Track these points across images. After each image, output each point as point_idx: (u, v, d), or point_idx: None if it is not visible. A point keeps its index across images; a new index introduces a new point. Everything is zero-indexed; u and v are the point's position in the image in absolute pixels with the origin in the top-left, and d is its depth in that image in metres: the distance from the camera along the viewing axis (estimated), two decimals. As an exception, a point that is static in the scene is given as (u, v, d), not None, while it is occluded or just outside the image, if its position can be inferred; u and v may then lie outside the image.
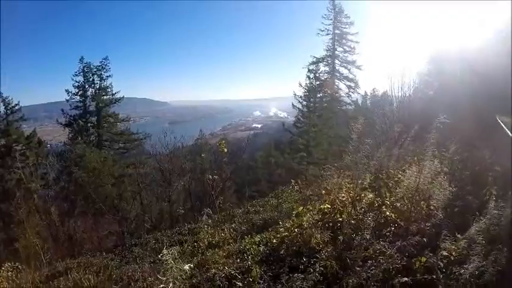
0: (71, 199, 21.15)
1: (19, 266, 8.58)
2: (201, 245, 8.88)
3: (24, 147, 26.15)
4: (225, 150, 10.44)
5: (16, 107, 27.35)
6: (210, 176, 10.78)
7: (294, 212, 6.57)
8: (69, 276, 8.40)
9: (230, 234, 9.22)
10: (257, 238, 7.24)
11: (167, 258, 5.42)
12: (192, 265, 6.82)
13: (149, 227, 17.13)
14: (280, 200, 13.45)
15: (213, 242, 8.82)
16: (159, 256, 5.78)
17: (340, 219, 5.54)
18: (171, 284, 4.92)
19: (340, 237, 5.25)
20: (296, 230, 5.83)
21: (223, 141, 11.25)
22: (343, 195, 5.88)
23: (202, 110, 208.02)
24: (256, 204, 14.74)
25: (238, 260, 5.99)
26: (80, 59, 31.97)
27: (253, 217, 11.81)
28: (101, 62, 32.36)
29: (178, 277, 5.17)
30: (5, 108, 26.70)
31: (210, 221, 12.03)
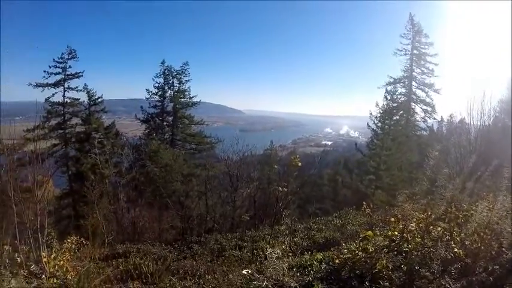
0: (139, 189, 22.33)
1: (83, 241, 9.08)
2: (260, 253, 8.94)
3: (102, 136, 28.32)
4: (299, 164, 10.43)
5: (99, 100, 29.90)
6: (280, 188, 10.79)
7: (360, 235, 6.48)
8: (130, 259, 8.79)
9: (291, 248, 9.22)
10: (319, 255, 7.22)
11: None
12: (250, 270, 6.97)
13: (210, 227, 17.47)
14: (344, 221, 13.27)
15: (265, 253, 8.87)
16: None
17: (407, 248, 5.40)
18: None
19: (404, 267, 5.15)
20: (360, 253, 5.75)
21: (297, 156, 11.25)
22: (412, 224, 5.73)
23: (273, 121, 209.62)
24: (319, 222, 14.62)
25: (298, 274, 6.01)
26: (162, 62, 33.54)
27: (315, 234, 11.75)
28: (181, 66, 33.72)
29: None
30: (88, 99, 29.19)
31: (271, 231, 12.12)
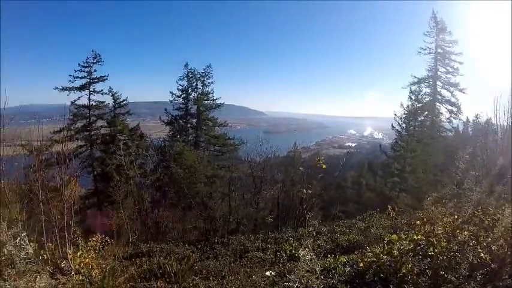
0: (163, 190, 22.61)
1: (107, 240, 9.20)
2: (283, 255, 8.91)
3: (127, 138, 28.68)
4: (324, 165, 10.33)
5: (123, 102, 30.38)
6: (304, 190, 10.72)
7: (385, 239, 6.38)
8: (154, 258, 8.86)
9: (314, 250, 9.16)
10: (343, 258, 7.15)
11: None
12: (273, 272, 6.96)
13: (233, 228, 17.51)
14: (368, 224, 13.10)
15: (296, 254, 8.80)
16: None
17: (433, 253, 5.30)
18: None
19: (430, 272, 5.05)
20: (385, 257, 5.67)
21: (322, 157, 11.14)
22: (439, 228, 5.61)
23: (296, 123, 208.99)
24: (342, 224, 14.48)
25: (322, 277, 5.97)
26: (185, 65, 33.86)
27: (338, 237, 11.63)
28: (205, 69, 33.90)
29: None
30: (113, 101, 29.74)
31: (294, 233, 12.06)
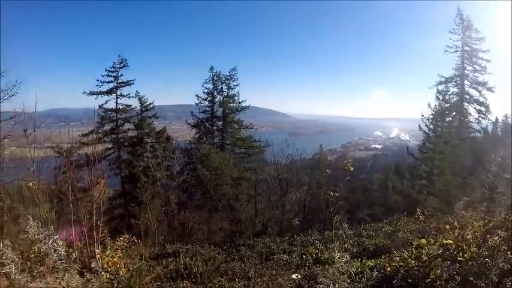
0: (190, 192, 22.80)
1: (134, 240, 9.32)
2: (309, 258, 8.84)
3: (154, 141, 29.12)
4: (351, 168, 10.19)
5: (150, 106, 30.66)
6: (331, 193, 10.61)
7: (413, 243, 6.24)
8: (180, 259, 8.92)
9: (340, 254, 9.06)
10: (370, 263, 7.05)
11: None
12: (299, 275, 6.90)
13: (259, 231, 17.50)
14: (395, 228, 12.90)
15: (322, 258, 8.71)
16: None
17: (462, 258, 5.16)
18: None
19: (459, 277, 4.93)
20: (413, 261, 5.55)
21: (349, 160, 11.00)
22: (468, 232, 5.46)
23: (321, 125, 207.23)
24: (369, 228, 14.28)
25: (349, 281, 5.90)
26: (210, 68, 34.08)
27: (365, 241, 11.47)
28: (230, 72, 34.07)
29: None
30: (140, 105, 30.15)
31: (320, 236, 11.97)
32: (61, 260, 6.57)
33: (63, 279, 6.01)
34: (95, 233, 7.41)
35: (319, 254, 9.07)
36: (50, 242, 6.85)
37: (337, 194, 11.24)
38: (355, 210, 26.64)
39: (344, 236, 11.86)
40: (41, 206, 8.13)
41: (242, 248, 12.17)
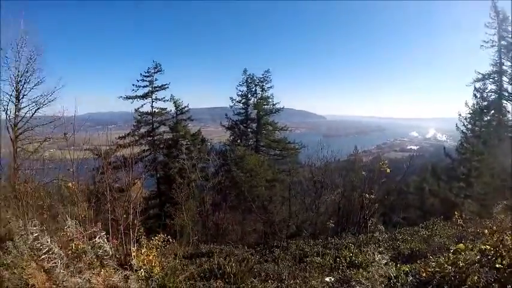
0: (224, 193, 22.95)
1: (169, 239, 9.47)
2: (343, 261, 8.75)
3: (189, 143, 29.49)
4: (388, 170, 9.99)
5: (185, 109, 31.36)
6: (367, 195, 10.47)
7: (451, 248, 6.07)
8: (213, 259, 9.01)
9: (374, 259, 8.91)
10: (405, 267, 6.91)
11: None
12: (332, 278, 6.86)
13: (292, 232, 17.44)
14: (431, 232, 12.58)
15: (356, 261, 8.61)
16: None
17: (501, 265, 4.98)
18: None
19: (497, 285, 4.76)
20: (449, 267, 5.41)
21: (385, 161, 10.79)
22: (507, 238, 5.27)
23: (356, 126, 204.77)
24: (404, 232, 13.98)
25: (383, 286, 5.82)
26: (244, 71, 34.15)
27: (400, 245, 11.25)
28: (263, 74, 34.07)
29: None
30: (175, 108, 30.90)
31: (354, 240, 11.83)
32: (98, 256, 6.80)
33: (99, 275, 6.20)
34: (131, 232, 7.59)
35: (353, 258, 8.97)
36: (96, 238, 7.12)
37: (372, 197, 11.05)
38: (390, 213, 26.06)
39: (379, 239, 11.67)
40: (79, 205, 8.40)
41: (275, 250, 12.14)
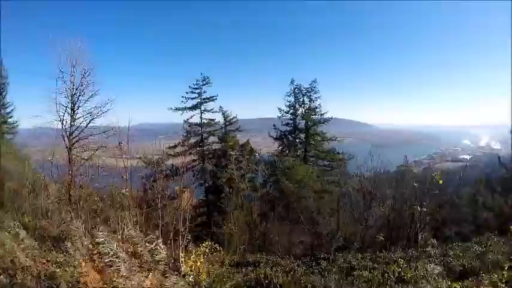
0: (272, 204, 22.93)
1: (216, 247, 9.62)
2: (391, 276, 8.55)
3: (237, 153, 29.92)
4: (440, 181, 9.69)
5: (233, 120, 32.05)
6: (419, 208, 10.18)
7: (505, 266, 5.82)
8: (260, 268, 9.05)
9: (424, 274, 8.64)
10: (456, 285, 6.68)
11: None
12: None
13: (340, 245, 17.15)
14: (485, 249, 12.04)
15: (405, 277, 8.39)
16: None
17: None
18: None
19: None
20: (503, 285, 5.20)
21: (438, 172, 10.45)
22: None
23: (406, 135, 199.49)
24: (456, 247, 13.46)
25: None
26: (291, 81, 34.39)
27: (451, 261, 10.86)
28: (310, 84, 34.08)
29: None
30: (224, 119, 31.63)
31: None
32: (154, 261, 7.04)
33: (147, 278, 6.41)
34: (179, 238, 7.80)
35: (402, 273, 8.74)
36: (153, 245, 7.41)
37: (424, 209, 10.72)
38: (441, 226, 25.07)
39: (432, 253, 11.32)
40: (131, 210, 8.73)
41: (322, 262, 12.01)
